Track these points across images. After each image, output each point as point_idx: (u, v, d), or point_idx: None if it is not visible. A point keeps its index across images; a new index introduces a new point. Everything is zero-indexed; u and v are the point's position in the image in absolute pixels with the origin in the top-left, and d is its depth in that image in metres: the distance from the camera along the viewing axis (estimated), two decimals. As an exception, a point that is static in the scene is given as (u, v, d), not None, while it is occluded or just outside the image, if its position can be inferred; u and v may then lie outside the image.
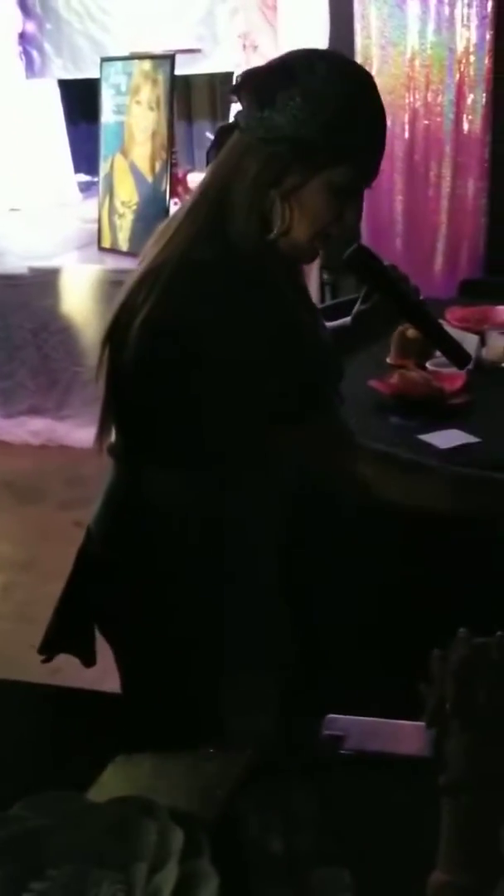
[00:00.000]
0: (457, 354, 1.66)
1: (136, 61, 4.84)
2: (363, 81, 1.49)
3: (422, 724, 1.07)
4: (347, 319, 1.81)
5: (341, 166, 1.45)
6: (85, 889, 1.06)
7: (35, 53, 6.97)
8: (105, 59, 5.13)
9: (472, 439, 2.21)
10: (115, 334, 1.54)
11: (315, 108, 1.41)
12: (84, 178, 7.56)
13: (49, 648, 1.72)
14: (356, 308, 1.80)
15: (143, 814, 1.14)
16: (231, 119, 1.51)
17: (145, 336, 1.47)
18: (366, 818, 1.16)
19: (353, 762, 1.25)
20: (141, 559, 1.60)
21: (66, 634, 1.71)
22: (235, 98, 1.49)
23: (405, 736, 1.29)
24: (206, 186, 1.52)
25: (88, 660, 1.73)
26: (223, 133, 1.52)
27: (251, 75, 1.48)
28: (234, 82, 1.51)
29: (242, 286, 1.43)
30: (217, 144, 1.52)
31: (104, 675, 1.76)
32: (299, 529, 1.71)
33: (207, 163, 1.55)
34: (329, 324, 1.76)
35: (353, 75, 1.49)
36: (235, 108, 1.53)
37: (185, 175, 4.96)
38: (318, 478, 1.56)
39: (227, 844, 1.11)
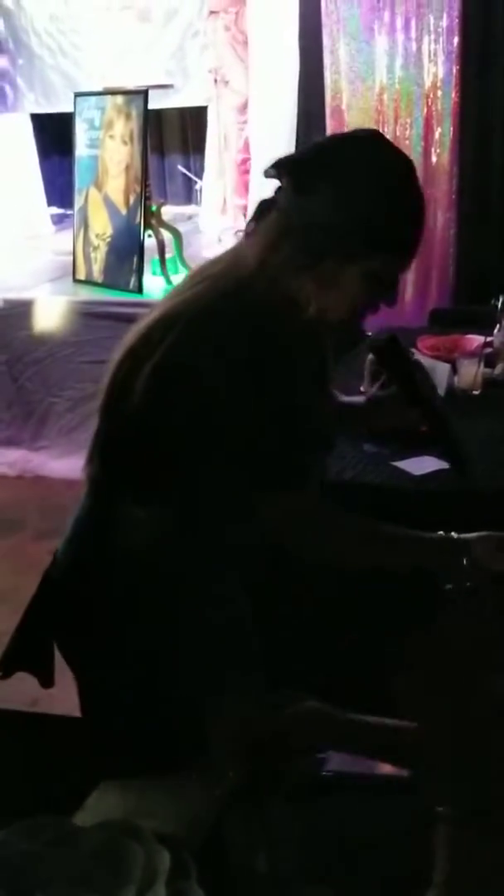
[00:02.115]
0: (459, 464, 1.71)
1: (110, 96, 4.90)
2: (404, 173, 1.49)
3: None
4: (361, 399, 1.84)
5: (378, 257, 1.47)
6: (73, 912, 1.07)
7: (7, 88, 7.03)
8: (79, 94, 5.18)
9: (444, 466, 2.24)
10: (121, 373, 1.54)
11: (354, 202, 1.42)
12: (57, 210, 7.61)
13: (7, 666, 1.73)
14: (373, 390, 1.83)
15: (130, 837, 1.16)
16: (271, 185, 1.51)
17: (154, 380, 1.48)
18: (350, 838, 1.18)
19: (336, 783, 1.26)
20: (102, 592, 1.61)
21: (25, 653, 1.72)
22: (275, 176, 1.48)
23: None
24: (238, 255, 1.53)
25: (46, 680, 1.74)
26: (264, 207, 1.52)
27: (293, 159, 1.49)
28: (275, 163, 1.50)
29: (255, 346, 1.44)
30: (257, 217, 1.53)
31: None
32: (265, 570, 1.72)
33: (245, 235, 1.56)
34: (345, 398, 1.79)
35: (394, 167, 1.49)
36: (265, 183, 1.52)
37: (160, 208, 5.02)
38: (276, 539, 1.58)
39: (214, 866, 1.13)
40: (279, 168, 1.48)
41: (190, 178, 7.13)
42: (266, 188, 4.78)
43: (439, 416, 1.72)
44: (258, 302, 1.45)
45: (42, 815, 1.21)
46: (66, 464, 4.60)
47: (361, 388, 2.64)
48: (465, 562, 1.38)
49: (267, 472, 1.47)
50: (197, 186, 6.92)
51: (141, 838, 1.15)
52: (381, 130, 4.76)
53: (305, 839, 1.17)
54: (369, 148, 1.49)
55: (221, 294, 1.48)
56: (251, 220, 1.55)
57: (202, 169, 6.86)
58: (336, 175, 1.42)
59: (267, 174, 1.49)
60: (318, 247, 1.44)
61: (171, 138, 7.73)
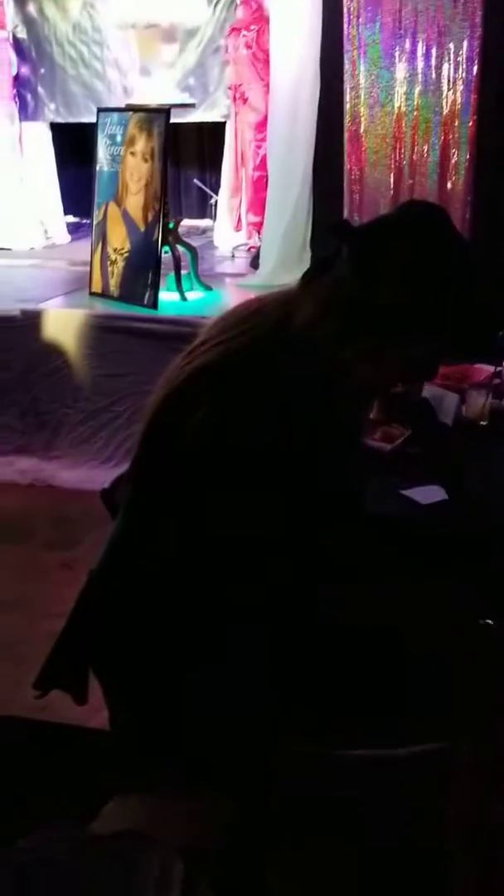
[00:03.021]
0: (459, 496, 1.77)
1: (132, 113, 4.97)
2: (461, 265, 1.51)
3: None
4: (387, 447, 1.84)
5: (427, 341, 1.52)
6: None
7: (28, 96, 7.11)
8: (101, 110, 5.25)
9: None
10: (165, 412, 1.58)
11: (410, 291, 1.45)
12: (72, 219, 7.69)
13: (44, 684, 1.77)
14: (398, 444, 1.81)
15: (145, 847, 1.21)
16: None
17: (203, 434, 1.51)
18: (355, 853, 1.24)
19: (345, 803, 1.32)
20: (136, 615, 1.65)
21: (60, 672, 1.76)
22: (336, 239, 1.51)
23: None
24: (285, 313, 1.54)
25: (81, 697, 1.78)
26: (322, 266, 1.55)
27: (356, 233, 1.51)
28: (338, 227, 1.52)
29: (295, 418, 1.47)
30: (313, 273, 1.56)
31: (91, 714, 1.81)
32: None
33: (300, 283, 1.58)
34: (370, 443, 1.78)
35: (452, 259, 1.50)
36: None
37: (177, 224, 5.08)
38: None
39: (226, 877, 1.18)
40: (340, 235, 1.51)
41: (205, 192, 7.19)
42: (282, 209, 4.81)
43: (452, 464, 1.77)
44: (301, 371, 1.49)
45: (60, 823, 1.27)
46: (78, 474, 4.66)
47: (371, 416, 2.69)
48: None
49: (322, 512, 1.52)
50: (212, 201, 6.98)
51: (156, 848, 1.20)
52: (397, 156, 4.90)
53: (314, 856, 1.22)
54: (432, 236, 1.50)
55: (266, 356, 1.51)
56: (308, 273, 1.58)
57: (217, 183, 6.93)
58: (396, 263, 1.45)
59: (329, 236, 1.52)
60: (368, 326, 1.48)
61: (188, 152, 7.80)
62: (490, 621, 1.51)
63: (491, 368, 2.99)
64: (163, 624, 1.63)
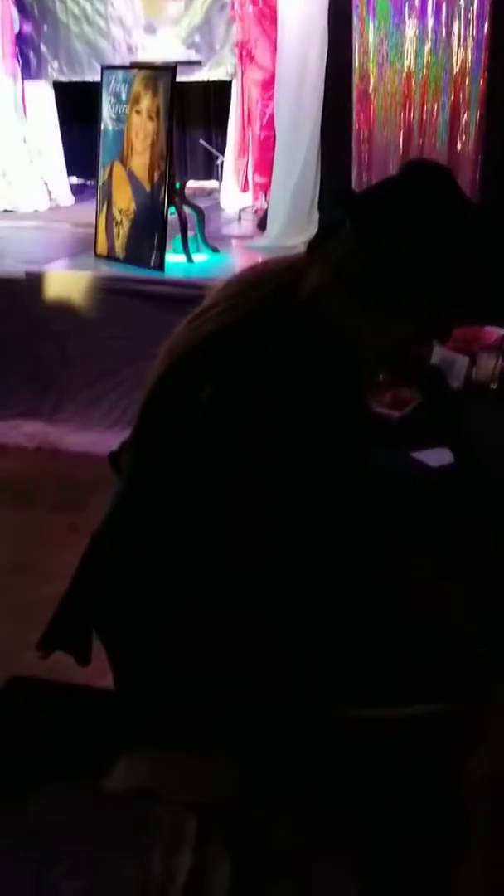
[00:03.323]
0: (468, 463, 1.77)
1: (137, 71, 4.90)
2: (470, 229, 1.48)
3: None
4: (396, 415, 1.82)
5: (431, 307, 1.50)
6: (104, 874, 1.14)
7: (31, 55, 7.03)
8: (106, 68, 5.17)
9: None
10: (170, 380, 1.56)
11: (417, 261, 1.43)
12: (77, 180, 7.63)
13: (47, 644, 1.78)
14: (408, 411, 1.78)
15: (157, 804, 1.22)
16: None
17: (212, 406, 1.49)
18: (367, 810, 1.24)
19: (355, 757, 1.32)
20: (138, 575, 1.65)
21: (65, 633, 1.78)
22: (343, 207, 1.49)
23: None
24: (294, 279, 1.51)
25: (84, 659, 1.79)
26: (328, 232, 1.53)
27: (361, 203, 1.49)
28: (342, 198, 1.53)
29: (306, 384, 1.45)
30: (321, 239, 1.54)
31: (99, 677, 1.83)
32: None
33: (307, 248, 1.56)
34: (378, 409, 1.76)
35: (461, 224, 1.47)
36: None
37: (183, 185, 5.03)
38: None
39: (237, 834, 1.19)
40: (345, 205, 1.50)
41: (211, 153, 7.12)
42: (290, 169, 4.76)
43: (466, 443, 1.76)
44: (308, 341, 1.47)
45: (70, 782, 1.28)
46: (84, 438, 4.65)
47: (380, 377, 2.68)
48: None
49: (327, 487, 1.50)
50: (218, 162, 6.92)
51: (168, 805, 1.21)
52: (407, 115, 4.84)
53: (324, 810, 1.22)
54: (436, 200, 1.47)
55: (273, 326, 1.49)
56: (314, 239, 1.55)
57: (223, 144, 6.86)
58: (400, 230, 1.43)
59: (333, 204, 1.50)
60: (375, 294, 1.46)
61: (193, 112, 7.72)
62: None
63: (501, 331, 2.98)
64: (163, 585, 1.63)
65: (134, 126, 4.80)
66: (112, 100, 4.93)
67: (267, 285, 1.55)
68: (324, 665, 1.56)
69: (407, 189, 1.49)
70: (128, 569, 1.68)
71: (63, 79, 7.06)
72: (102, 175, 5.03)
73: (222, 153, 6.83)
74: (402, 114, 4.84)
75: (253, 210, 6.33)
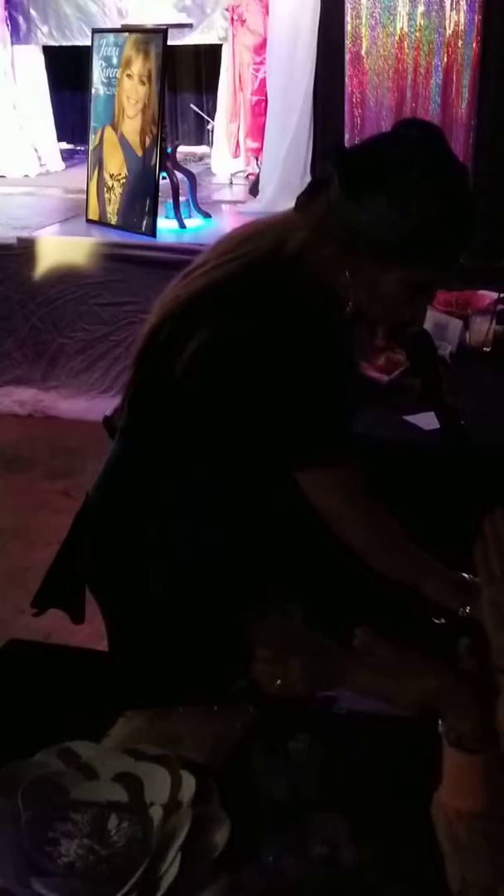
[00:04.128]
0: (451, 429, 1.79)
1: (128, 34, 4.84)
2: (457, 187, 1.48)
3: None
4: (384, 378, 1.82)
5: (422, 266, 1.48)
6: (106, 831, 1.15)
7: (20, 19, 6.93)
8: (96, 31, 5.12)
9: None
10: (161, 335, 1.57)
11: (403, 214, 1.42)
12: (67, 146, 7.56)
13: (41, 602, 1.80)
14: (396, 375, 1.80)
15: (157, 762, 1.24)
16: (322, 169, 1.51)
17: (200, 357, 1.50)
18: (363, 768, 1.26)
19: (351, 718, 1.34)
20: (131, 533, 1.68)
21: (57, 591, 1.80)
22: (332, 166, 1.48)
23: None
24: (282, 236, 1.52)
25: (77, 617, 1.82)
26: (316, 188, 1.53)
27: (347, 161, 1.48)
28: (330, 156, 1.50)
29: (293, 335, 1.47)
30: (308, 195, 1.54)
31: (97, 640, 1.85)
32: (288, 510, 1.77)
33: (296, 205, 1.56)
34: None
35: (447, 182, 1.47)
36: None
37: (175, 149, 5.00)
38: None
39: (236, 791, 1.20)
40: (334, 160, 1.48)
41: (202, 118, 7.06)
42: (282, 133, 4.74)
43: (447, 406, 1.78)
44: (294, 296, 1.49)
45: (71, 741, 1.29)
46: (77, 404, 4.66)
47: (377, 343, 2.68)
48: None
49: (306, 441, 1.52)
50: (209, 126, 6.86)
51: (167, 763, 1.23)
52: (399, 79, 4.80)
53: (322, 768, 1.24)
54: (425, 158, 1.46)
55: (262, 279, 1.51)
56: (302, 196, 1.56)
57: (214, 108, 6.80)
58: (385, 187, 1.42)
59: (324, 165, 1.50)
60: (361, 251, 1.46)
61: (184, 76, 7.65)
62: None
63: (494, 295, 2.99)
64: (154, 539, 1.66)
65: (125, 90, 4.75)
66: (103, 64, 4.88)
67: (255, 242, 1.56)
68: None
69: (395, 145, 1.49)
70: (121, 523, 1.69)
71: (53, 43, 6.96)
72: (94, 139, 4.99)
73: (213, 118, 6.78)
74: (395, 77, 4.80)
75: (245, 175, 6.29)
